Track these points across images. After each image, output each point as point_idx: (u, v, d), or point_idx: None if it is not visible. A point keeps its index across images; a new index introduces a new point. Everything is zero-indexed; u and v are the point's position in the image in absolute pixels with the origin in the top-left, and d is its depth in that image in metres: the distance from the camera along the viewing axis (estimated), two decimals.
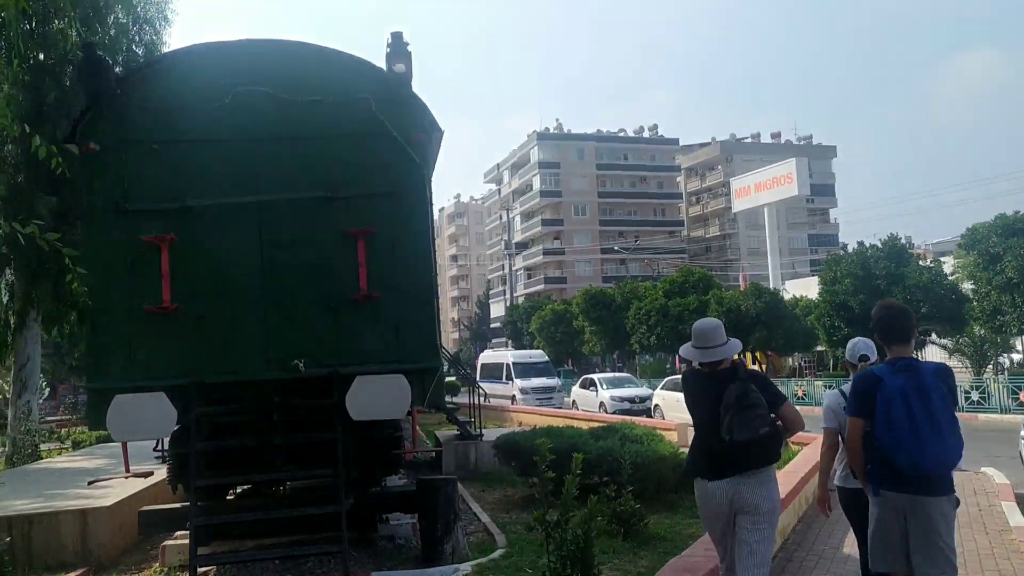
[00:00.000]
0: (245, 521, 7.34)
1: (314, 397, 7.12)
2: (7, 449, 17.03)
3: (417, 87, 7.50)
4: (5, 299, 17.07)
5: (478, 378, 34.36)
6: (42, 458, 16.27)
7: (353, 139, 7.31)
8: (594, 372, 36.60)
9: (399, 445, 8.29)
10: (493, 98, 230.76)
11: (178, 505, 7.71)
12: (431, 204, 7.79)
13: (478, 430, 14.76)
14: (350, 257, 7.15)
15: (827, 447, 5.31)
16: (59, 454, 17.46)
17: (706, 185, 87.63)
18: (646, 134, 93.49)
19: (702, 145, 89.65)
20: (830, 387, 29.10)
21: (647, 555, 7.55)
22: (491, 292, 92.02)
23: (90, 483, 8.75)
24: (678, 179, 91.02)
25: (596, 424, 15.07)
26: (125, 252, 6.95)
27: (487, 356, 40.14)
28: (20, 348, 17.00)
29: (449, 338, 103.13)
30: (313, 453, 7.28)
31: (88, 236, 7.14)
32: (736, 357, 4.74)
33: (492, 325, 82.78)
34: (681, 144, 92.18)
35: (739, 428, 4.33)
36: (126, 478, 7.98)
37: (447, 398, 21.93)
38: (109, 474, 9.39)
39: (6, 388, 19.05)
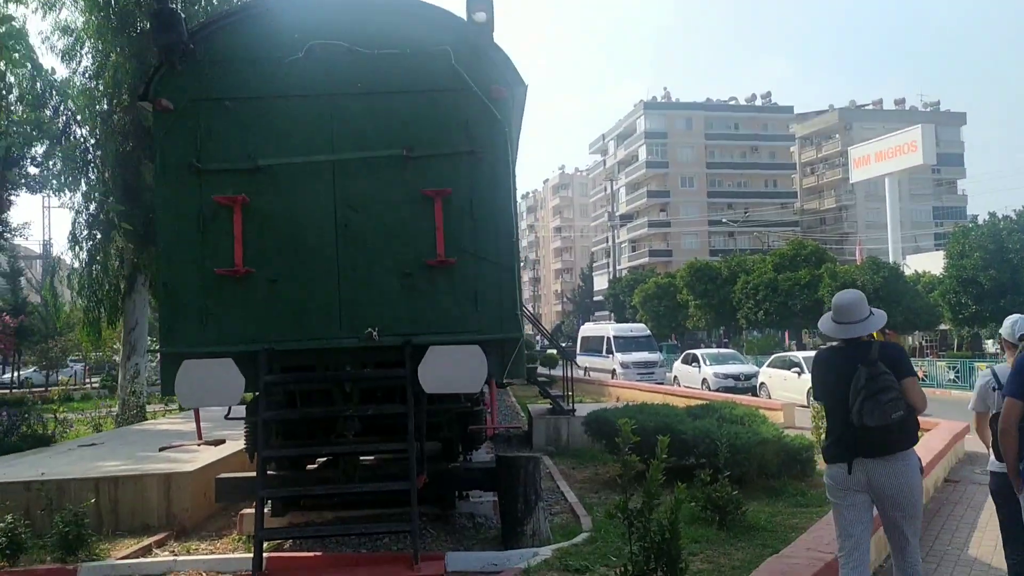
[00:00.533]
0: (313, 494, 7.11)
1: (387, 366, 6.76)
2: (117, 409, 17.71)
3: (512, 46, 6.97)
4: (115, 264, 17.67)
5: (579, 351, 34.07)
6: (147, 419, 16.81)
7: (431, 94, 6.85)
8: (699, 347, 35.57)
9: (480, 419, 7.89)
10: (600, 66, 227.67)
11: (252, 474, 7.56)
12: (514, 164, 7.26)
13: (571, 404, 14.32)
14: (426, 220, 6.73)
15: (978, 429, 4.92)
16: (164, 416, 18.03)
17: (822, 155, 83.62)
18: (758, 102, 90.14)
19: (818, 113, 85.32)
20: (954, 368, 27.55)
21: (743, 547, 6.91)
22: (595, 264, 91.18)
23: (161, 449, 8.74)
24: (792, 149, 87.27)
25: (695, 402, 14.45)
26: (197, 213, 6.73)
27: (587, 329, 39.67)
28: (129, 312, 17.60)
29: (552, 310, 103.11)
30: (388, 425, 6.96)
31: (161, 196, 6.96)
32: (876, 333, 4.45)
33: (595, 298, 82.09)
34: (796, 112, 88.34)
35: (869, 414, 4.12)
36: (198, 445, 7.88)
37: (542, 371, 21.72)
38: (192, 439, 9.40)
39: (119, 350, 19.81)
